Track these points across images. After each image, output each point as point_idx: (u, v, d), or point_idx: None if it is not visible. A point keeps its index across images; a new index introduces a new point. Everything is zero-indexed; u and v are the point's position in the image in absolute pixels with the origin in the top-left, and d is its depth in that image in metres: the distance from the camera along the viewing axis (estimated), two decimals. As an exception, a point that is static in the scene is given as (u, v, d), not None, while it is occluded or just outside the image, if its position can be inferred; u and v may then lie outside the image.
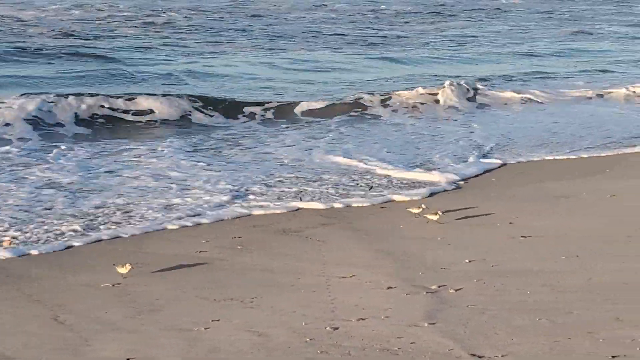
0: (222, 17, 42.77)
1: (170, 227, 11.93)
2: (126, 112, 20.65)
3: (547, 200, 13.35)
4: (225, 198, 13.24)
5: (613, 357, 7.51)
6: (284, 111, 21.51)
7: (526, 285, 9.43)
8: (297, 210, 12.85)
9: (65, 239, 11.23)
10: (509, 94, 24.31)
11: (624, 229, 11.62)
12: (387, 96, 22.95)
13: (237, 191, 13.66)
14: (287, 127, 19.84)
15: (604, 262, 10.23)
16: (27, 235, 11.31)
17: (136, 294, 9.40)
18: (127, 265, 9.84)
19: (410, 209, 12.39)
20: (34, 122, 18.93)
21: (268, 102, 21.99)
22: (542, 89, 25.31)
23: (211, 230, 11.89)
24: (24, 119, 18.91)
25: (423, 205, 12.38)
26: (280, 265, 10.39)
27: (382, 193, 13.72)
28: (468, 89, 24.05)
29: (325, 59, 30.33)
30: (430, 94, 23.52)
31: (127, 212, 12.45)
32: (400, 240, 11.36)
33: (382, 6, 51.38)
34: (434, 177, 14.68)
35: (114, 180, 14.28)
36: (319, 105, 22.01)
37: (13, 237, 11.09)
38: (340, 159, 15.96)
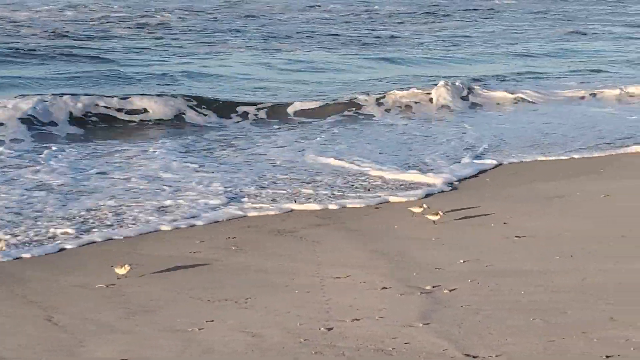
0: (216, 18, 42.76)
1: (164, 228, 11.90)
2: (120, 110, 20.61)
3: (541, 201, 13.36)
4: (218, 200, 13.19)
5: (607, 357, 7.52)
6: (277, 111, 21.51)
7: (520, 285, 9.43)
8: (291, 211, 12.84)
9: (58, 241, 11.17)
10: (502, 95, 24.32)
11: (617, 229, 11.63)
12: (381, 96, 22.96)
13: (230, 193, 13.62)
14: (280, 128, 19.85)
15: (597, 262, 10.24)
16: (19, 238, 11.25)
17: (130, 294, 9.39)
18: (126, 266, 9.82)
19: (411, 209, 12.39)
20: (28, 122, 18.88)
21: (261, 103, 21.98)
22: (536, 89, 25.33)
23: (205, 231, 11.88)
24: (18, 119, 18.87)
25: (425, 205, 12.38)
26: (274, 265, 10.38)
27: (377, 194, 13.69)
28: (462, 90, 24.04)
29: (319, 59, 30.33)
30: (424, 94, 23.52)
31: (120, 214, 12.40)
32: (394, 240, 11.36)
33: (376, 7, 51.40)
34: (429, 178, 14.66)
35: (107, 182, 14.23)
36: (313, 105, 22.02)
37: (4, 240, 11.02)
38: (333, 160, 15.92)
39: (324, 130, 19.58)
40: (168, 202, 12.99)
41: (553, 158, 16.66)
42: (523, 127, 20.09)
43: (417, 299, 9.11)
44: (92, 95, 21.16)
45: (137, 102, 21.00)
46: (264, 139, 18.35)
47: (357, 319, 8.50)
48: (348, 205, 13.09)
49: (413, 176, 14.79)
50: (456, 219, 12.24)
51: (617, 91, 25.13)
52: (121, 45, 32.07)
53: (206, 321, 8.54)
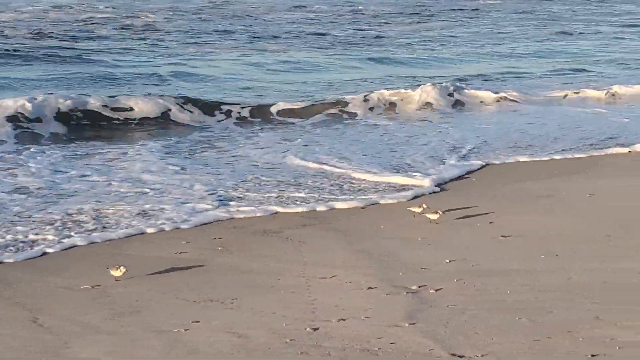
0: (202, 19, 42.72)
1: (148, 231, 11.82)
2: (108, 112, 20.51)
3: (526, 201, 13.39)
4: (203, 202, 13.07)
5: (592, 355, 7.54)
6: (261, 112, 21.43)
7: (506, 284, 9.45)
8: (276, 213, 12.79)
9: (40, 246, 11.03)
10: (488, 95, 24.32)
11: (603, 229, 11.66)
12: (366, 97, 22.93)
13: (215, 195, 13.54)
14: (264, 129, 19.81)
15: (583, 261, 10.26)
16: (0, 242, 11.11)
17: (116, 296, 9.36)
18: (121, 267, 9.76)
19: (411, 208, 12.38)
20: (12, 123, 18.78)
21: (246, 103, 21.91)
22: (521, 89, 25.36)
23: (191, 232, 11.85)
24: (5, 117, 18.80)
25: (424, 205, 12.38)
26: (260, 266, 10.37)
27: (365, 196, 13.62)
28: (448, 90, 24.04)
29: (305, 60, 30.34)
30: (409, 95, 23.52)
31: (104, 217, 12.28)
32: (380, 240, 11.36)
33: (360, 7, 51.43)
34: (417, 179, 14.63)
35: (90, 184, 14.11)
36: (298, 106, 21.98)
37: None
38: (319, 161, 15.85)
39: (309, 131, 19.57)
40: (151, 205, 12.88)
41: (538, 158, 16.68)
42: (508, 128, 20.11)
43: (403, 298, 9.12)
44: (79, 96, 21.08)
45: (123, 102, 20.94)
46: (249, 140, 18.31)
47: (343, 319, 8.50)
48: (337, 207, 13.04)
49: (400, 177, 14.75)
50: (444, 220, 12.22)
51: (601, 91, 25.19)
52: (107, 46, 32.02)
53: (192, 322, 8.52)
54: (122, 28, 37.71)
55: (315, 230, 11.89)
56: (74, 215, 12.34)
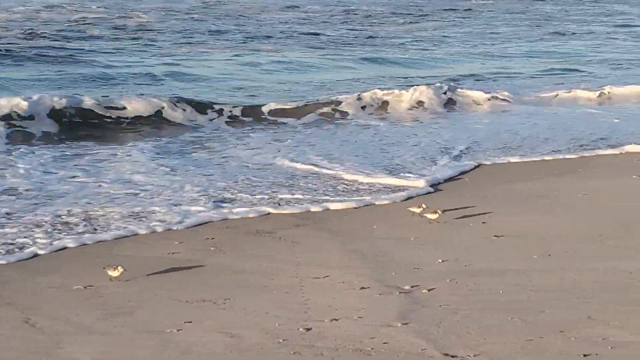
0: (195, 19, 42.69)
1: (140, 232, 11.76)
2: (100, 111, 20.45)
3: (519, 201, 13.40)
4: (195, 203, 13.02)
5: (585, 355, 7.55)
6: (254, 113, 21.38)
7: (499, 284, 9.45)
8: (268, 214, 12.76)
9: (31, 247, 10.94)
10: (480, 95, 24.30)
11: (595, 228, 11.68)
12: (359, 97, 22.91)
13: (207, 196, 13.48)
14: (256, 129, 19.80)
15: (576, 261, 10.27)
16: None
17: (108, 296, 9.35)
18: (119, 268, 9.74)
19: (410, 208, 12.38)
20: (4, 122, 18.72)
21: (238, 104, 21.88)
22: (512, 89, 25.35)
23: (183, 232, 11.83)
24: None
25: (424, 205, 12.38)
26: (253, 266, 10.36)
27: (356, 197, 13.59)
28: (440, 91, 24.02)
29: (298, 60, 30.34)
30: (402, 95, 23.50)
31: (94, 218, 12.20)
32: (373, 240, 11.36)
33: (352, 7, 51.44)
34: (411, 180, 14.62)
35: (80, 185, 14.05)
36: (290, 106, 21.95)
37: None
38: (311, 162, 15.80)
39: (301, 131, 19.56)
40: (143, 206, 12.83)
41: (530, 159, 16.68)
42: (500, 128, 20.11)
43: (396, 298, 9.12)
44: (74, 95, 21.06)
45: (116, 101, 20.90)
46: (239, 141, 18.28)
47: (335, 319, 8.50)
48: (331, 207, 13.01)
49: (394, 178, 14.73)
50: (442, 220, 12.20)
51: (593, 91, 25.21)
52: (100, 46, 31.98)
53: (184, 322, 8.51)
54: (115, 28, 37.67)
55: (309, 231, 11.89)
56: (64, 217, 12.24)
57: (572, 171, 15.53)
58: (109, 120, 20.22)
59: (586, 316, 8.44)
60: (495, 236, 11.41)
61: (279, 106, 21.82)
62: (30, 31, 34.74)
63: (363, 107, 22.44)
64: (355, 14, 48.17)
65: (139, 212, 12.54)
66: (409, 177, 14.85)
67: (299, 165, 15.62)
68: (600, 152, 17.24)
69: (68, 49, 30.56)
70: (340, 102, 22.42)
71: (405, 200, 13.55)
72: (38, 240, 11.23)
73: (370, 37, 37.99)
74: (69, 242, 11.22)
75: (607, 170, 15.57)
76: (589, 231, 11.57)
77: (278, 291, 9.43)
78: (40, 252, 10.87)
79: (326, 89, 24.77)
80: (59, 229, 11.70)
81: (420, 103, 23.23)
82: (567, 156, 16.87)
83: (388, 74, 28.13)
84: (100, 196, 13.40)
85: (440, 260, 10.40)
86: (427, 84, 24.34)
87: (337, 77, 27.11)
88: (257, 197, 13.49)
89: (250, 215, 12.60)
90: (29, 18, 39.78)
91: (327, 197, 13.51)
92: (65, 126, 19.42)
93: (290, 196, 13.54)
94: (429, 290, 9.32)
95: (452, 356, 7.60)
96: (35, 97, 20.10)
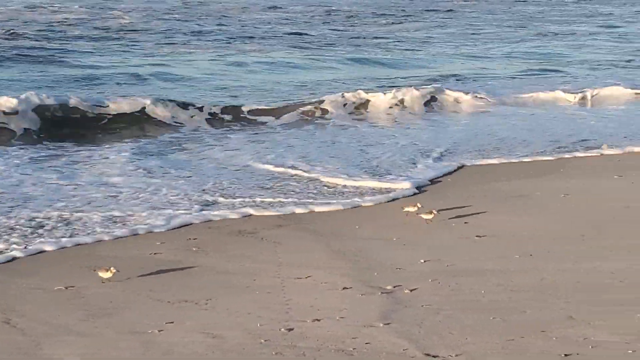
0: (177, 19, 42.60)
1: (120, 233, 11.65)
2: (81, 112, 20.35)
3: (501, 201, 13.43)
4: (176, 205, 12.95)
5: (566, 355, 7.58)
6: (235, 113, 21.27)
7: (480, 284, 9.48)
8: (250, 216, 12.73)
9: (8, 251, 10.82)
10: (461, 96, 24.28)
11: (577, 229, 11.72)
12: (341, 98, 22.86)
13: (187, 197, 13.41)
14: (236, 130, 19.72)
15: (557, 261, 10.31)
16: None
17: (89, 297, 9.32)
18: (112, 269, 9.70)
19: (406, 209, 12.37)
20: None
21: (219, 104, 21.75)
22: (493, 90, 25.34)
23: (165, 233, 11.80)
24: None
25: (419, 205, 12.38)
26: (235, 266, 10.35)
27: (340, 199, 13.56)
28: (421, 92, 23.97)
29: (280, 60, 30.31)
30: (384, 96, 23.45)
31: (76, 220, 12.16)
32: (355, 241, 11.37)
33: (333, 7, 51.45)
34: (395, 182, 14.60)
35: (58, 187, 13.96)
36: (272, 106, 21.89)
37: None
38: (293, 164, 15.69)
39: (280, 132, 19.53)
40: (123, 207, 12.75)
41: (511, 160, 16.70)
42: (482, 129, 20.14)
43: (378, 299, 9.13)
44: (58, 95, 20.96)
45: (98, 101, 20.81)
46: (218, 142, 18.19)
47: (317, 320, 8.50)
48: (315, 210, 12.98)
49: (377, 181, 14.70)
50: (435, 220, 12.19)
51: (573, 94, 25.21)
52: (82, 47, 31.85)
53: (166, 323, 8.50)
54: (97, 28, 37.53)
55: (290, 231, 11.89)
56: (41, 220, 12.11)
57: (553, 172, 15.58)
58: (92, 121, 20.04)
59: (567, 316, 8.47)
60: (477, 236, 11.43)
61: (261, 107, 21.75)
62: (11, 31, 34.58)
63: (345, 106, 22.39)
64: (337, 14, 48.18)
65: (118, 214, 12.44)
66: (392, 179, 14.85)
67: (280, 169, 15.45)
68: (581, 153, 17.27)
69: (49, 49, 30.43)
70: (323, 102, 22.36)
71: (390, 201, 13.57)
72: (16, 243, 11.09)
73: (353, 37, 38.00)
74: (48, 245, 11.07)
75: (588, 171, 15.62)
76: (571, 231, 11.61)
77: (260, 291, 9.42)
78: (19, 255, 10.76)
79: (309, 89, 24.75)
80: (39, 233, 11.58)
81: (402, 104, 23.22)
82: (548, 157, 16.90)
83: (370, 75, 28.13)
84: (83, 197, 13.32)
85: (422, 261, 10.42)
86: (409, 85, 24.33)
87: (320, 78, 27.08)
88: (238, 200, 13.42)
89: (232, 217, 12.58)
90: (10, 18, 39.60)
91: (311, 200, 13.46)
92: (47, 126, 19.23)
93: (271, 199, 13.46)
94: (411, 290, 9.33)
95: (434, 356, 7.62)
96: (24, 96, 19.88)
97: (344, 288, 9.49)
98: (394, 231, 11.76)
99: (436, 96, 24.01)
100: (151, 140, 18.35)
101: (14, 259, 10.67)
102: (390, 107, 23.00)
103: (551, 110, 23.08)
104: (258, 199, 13.41)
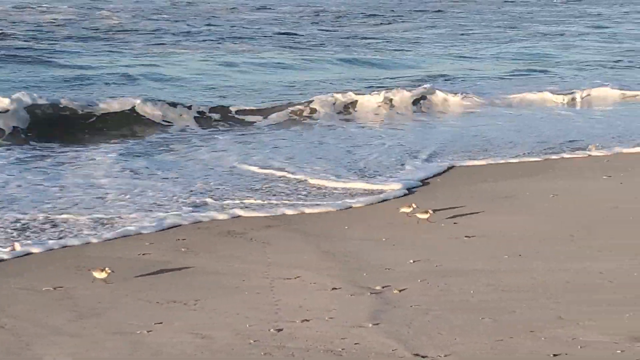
0: (167, 19, 42.55)
1: (108, 235, 11.59)
2: (71, 112, 20.28)
3: (490, 202, 13.44)
4: (165, 207, 12.91)
5: (554, 355, 7.58)
6: (223, 113, 21.23)
7: (470, 284, 9.48)
8: (239, 217, 12.70)
9: None
10: (450, 97, 24.28)
11: (566, 229, 11.73)
12: (330, 98, 22.85)
13: (176, 199, 13.39)
14: (224, 132, 19.68)
15: (546, 261, 10.32)
16: None
17: (78, 298, 9.30)
18: (106, 269, 9.66)
19: (402, 209, 12.36)
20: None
21: (207, 105, 21.72)
22: (481, 91, 25.37)
23: (154, 234, 11.77)
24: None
25: (414, 205, 12.38)
26: (224, 267, 10.34)
27: (328, 200, 13.56)
28: (410, 93, 23.97)
29: (269, 61, 30.31)
30: (373, 96, 23.47)
31: (63, 222, 12.11)
32: (344, 241, 11.37)
33: (322, 7, 51.45)
34: (385, 183, 14.59)
35: (45, 188, 13.92)
36: (259, 107, 21.86)
37: None
38: (281, 166, 15.67)
39: (269, 133, 19.52)
40: (110, 209, 12.72)
41: (500, 161, 16.71)
42: (471, 130, 20.17)
43: (367, 299, 9.13)
44: (48, 95, 20.90)
45: (88, 102, 20.77)
46: (206, 143, 18.15)
47: (306, 320, 8.50)
48: (305, 211, 12.95)
49: (366, 181, 14.71)
50: (431, 220, 12.18)
51: (561, 95, 25.23)
52: (71, 47, 31.78)
53: (155, 323, 8.48)
54: (86, 29, 37.45)
55: (280, 232, 11.88)
56: (29, 221, 12.08)
57: (541, 173, 15.60)
58: (80, 122, 19.97)
59: (556, 316, 8.48)
60: (466, 237, 11.44)
61: (247, 107, 21.71)
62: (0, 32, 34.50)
63: (334, 106, 22.38)
64: (325, 15, 48.19)
65: (106, 216, 12.39)
66: (382, 180, 14.84)
67: (269, 170, 15.42)
68: (567, 155, 17.28)
69: (38, 49, 30.36)
70: (311, 102, 22.34)
71: (380, 202, 13.57)
72: (1, 246, 11.03)
73: (343, 37, 38.02)
74: (35, 247, 11.00)
75: (576, 172, 15.64)
76: (560, 232, 11.63)
77: (249, 292, 9.42)
78: (5, 257, 10.70)
79: (298, 89, 24.75)
80: (26, 235, 11.52)
81: (391, 105, 23.21)
82: (536, 158, 16.92)
83: (360, 75, 28.15)
84: (70, 199, 13.28)
85: (411, 261, 10.42)
86: (398, 86, 24.34)
87: (308, 78, 27.09)
88: (226, 201, 13.38)
89: (221, 217, 12.55)
90: (2, 20, 39.47)
91: (301, 201, 13.45)
92: (36, 124, 19.14)
93: (260, 201, 13.43)
94: (400, 290, 9.33)
95: (423, 356, 7.62)
96: (15, 96, 19.78)
97: (333, 288, 9.48)
98: (383, 232, 11.76)
99: (426, 96, 23.99)
100: (139, 141, 18.30)
101: (1, 260, 10.62)
102: (381, 108, 22.98)
103: (539, 111, 23.11)
104: (247, 201, 13.37)
